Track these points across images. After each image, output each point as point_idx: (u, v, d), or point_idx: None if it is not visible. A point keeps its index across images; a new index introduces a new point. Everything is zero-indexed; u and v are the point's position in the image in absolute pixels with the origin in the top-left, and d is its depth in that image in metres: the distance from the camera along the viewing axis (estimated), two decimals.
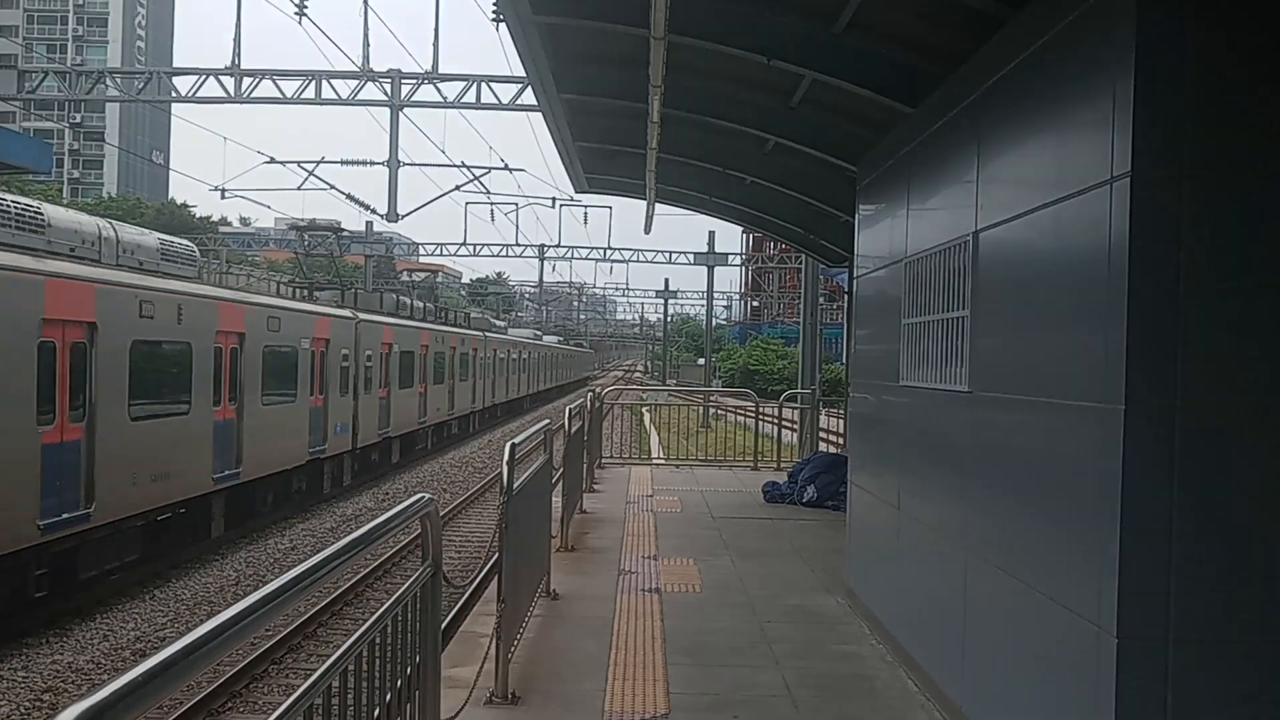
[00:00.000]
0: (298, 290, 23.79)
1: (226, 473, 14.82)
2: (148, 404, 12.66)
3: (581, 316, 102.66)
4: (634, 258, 51.71)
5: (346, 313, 21.36)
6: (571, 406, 9.63)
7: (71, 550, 11.14)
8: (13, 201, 11.58)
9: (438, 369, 28.57)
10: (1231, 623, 3.46)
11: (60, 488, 10.75)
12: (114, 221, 14.23)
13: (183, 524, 13.71)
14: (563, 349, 63.49)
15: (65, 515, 10.81)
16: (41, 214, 11.96)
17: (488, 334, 38.30)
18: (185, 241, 16.73)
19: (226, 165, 58.53)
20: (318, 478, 19.38)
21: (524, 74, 8.75)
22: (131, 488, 12.22)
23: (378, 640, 2.99)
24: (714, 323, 54.14)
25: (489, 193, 39.90)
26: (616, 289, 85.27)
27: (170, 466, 13.17)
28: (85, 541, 11.33)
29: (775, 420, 20.63)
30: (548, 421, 7.75)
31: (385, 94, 28.80)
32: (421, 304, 30.81)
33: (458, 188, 36.76)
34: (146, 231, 15.55)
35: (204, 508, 14.39)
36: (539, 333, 61.23)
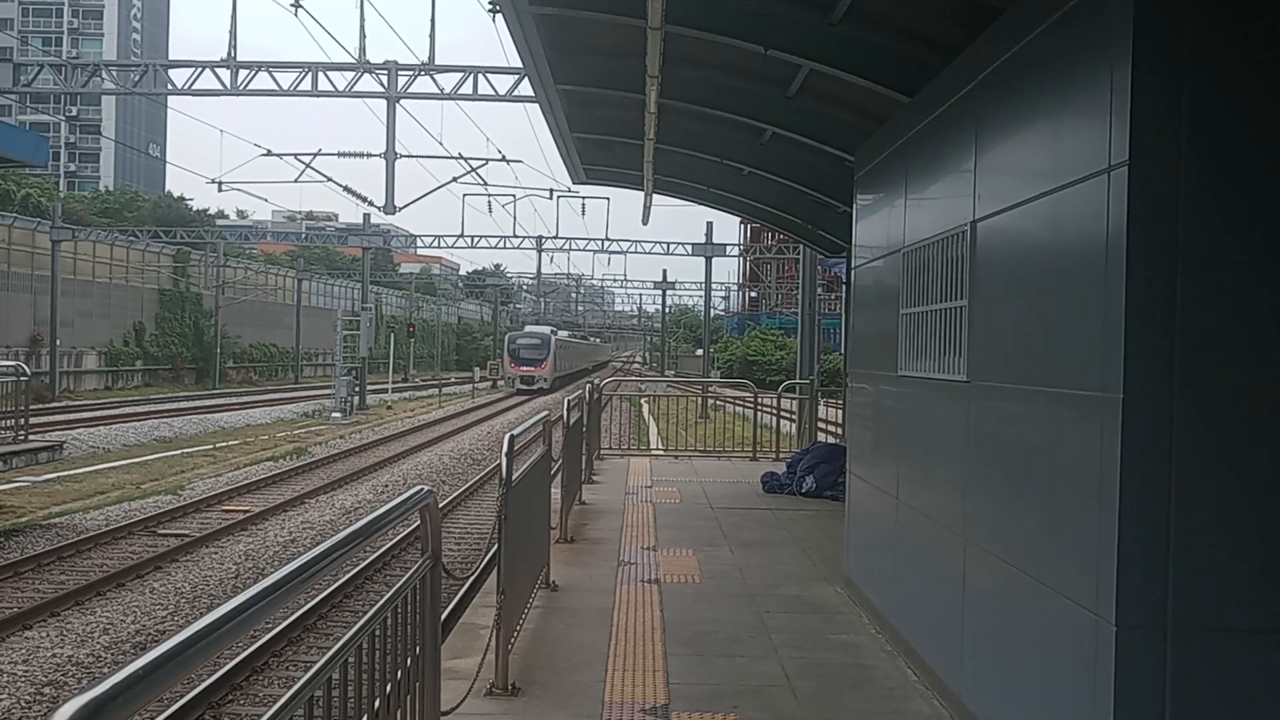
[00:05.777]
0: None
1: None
2: (565, 360, 61.01)
3: (579, 308, 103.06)
4: (632, 249, 51.71)
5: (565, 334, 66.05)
6: (570, 398, 9.63)
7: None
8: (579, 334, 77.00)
9: (572, 353, 64.59)
10: (1230, 611, 3.46)
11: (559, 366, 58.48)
12: (586, 332, 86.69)
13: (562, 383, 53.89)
14: (597, 344, 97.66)
15: (558, 375, 57.10)
16: (555, 334, 62.25)
17: (577, 337, 74.82)
18: (584, 334, 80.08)
19: (223, 158, 58.95)
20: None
21: (520, 65, 8.72)
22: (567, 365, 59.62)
23: (377, 632, 2.99)
24: (712, 313, 54.27)
25: (486, 184, 39.97)
26: (614, 280, 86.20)
27: (574, 366, 64.44)
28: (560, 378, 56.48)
29: (774, 411, 20.65)
30: (546, 413, 7.75)
31: (382, 86, 28.76)
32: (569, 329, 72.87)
33: (455, 179, 36.85)
34: (577, 332, 78.96)
35: (574, 375, 59.17)
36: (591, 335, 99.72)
